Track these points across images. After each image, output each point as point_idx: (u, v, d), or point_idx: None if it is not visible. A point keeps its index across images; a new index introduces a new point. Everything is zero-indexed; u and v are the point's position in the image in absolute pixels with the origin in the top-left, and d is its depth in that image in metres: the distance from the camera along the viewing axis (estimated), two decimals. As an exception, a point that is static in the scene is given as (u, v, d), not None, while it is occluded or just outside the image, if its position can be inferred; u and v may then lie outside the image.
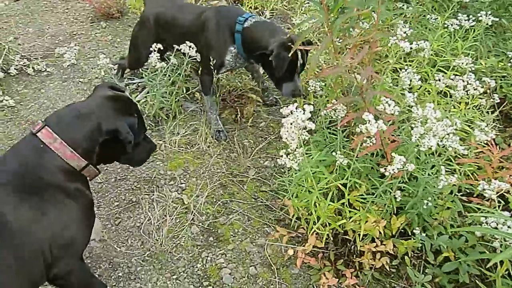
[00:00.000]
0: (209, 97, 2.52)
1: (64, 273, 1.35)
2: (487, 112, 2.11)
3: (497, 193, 1.34)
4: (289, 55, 1.92)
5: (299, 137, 1.48)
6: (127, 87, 2.87)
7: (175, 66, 2.51)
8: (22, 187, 1.24)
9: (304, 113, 1.44)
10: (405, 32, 2.05)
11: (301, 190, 1.76)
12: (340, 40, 1.97)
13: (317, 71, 2.28)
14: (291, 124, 1.42)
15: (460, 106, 2.11)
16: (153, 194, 2.18)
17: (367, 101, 1.62)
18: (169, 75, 2.46)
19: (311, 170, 1.63)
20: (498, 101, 2.04)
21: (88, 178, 1.43)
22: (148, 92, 2.50)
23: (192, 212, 2.09)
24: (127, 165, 2.23)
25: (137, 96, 2.71)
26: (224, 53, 2.35)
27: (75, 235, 1.34)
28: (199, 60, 2.43)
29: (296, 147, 1.49)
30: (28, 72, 3.04)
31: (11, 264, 1.18)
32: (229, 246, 1.95)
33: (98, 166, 1.50)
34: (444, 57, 2.34)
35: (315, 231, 1.73)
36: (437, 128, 1.52)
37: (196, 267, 1.87)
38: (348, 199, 1.72)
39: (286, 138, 1.47)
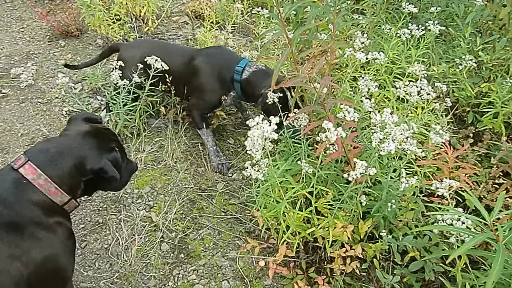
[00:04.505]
0: (203, 130, 2.46)
1: None
2: (442, 116, 2.21)
3: (450, 191, 1.40)
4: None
5: (263, 148, 1.50)
6: (90, 105, 2.81)
7: (138, 83, 2.48)
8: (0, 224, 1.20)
9: (270, 125, 1.46)
10: (363, 43, 2.14)
11: (269, 201, 1.78)
12: (300, 51, 2.02)
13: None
14: (256, 135, 1.44)
15: (417, 111, 2.21)
16: (120, 214, 2.13)
17: (327, 109, 1.66)
18: (133, 92, 2.43)
19: (277, 180, 1.65)
20: (451, 104, 2.16)
21: (68, 210, 1.41)
22: (111, 111, 2.45)
23: (161, 229, 2.05)
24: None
25: (100, 114, 2.66)
26: (221, 99, 2.39)
27: (58, 266, 1.31)
28: (188, 96, 2.43)
29: (261, 158, 1.50)
30: (-18, 94, 2.92)
31: None
32: (200, 262, 1.93)
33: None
34: (400, 64, 2.45)
35: (285, 240, 1.74)
36: (395, 133, 1.58)
37: (168, 285, 1.83)
38: (316, 207, 1.75)
39: (251, 149, 1.48)
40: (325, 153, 1.66)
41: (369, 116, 1.96)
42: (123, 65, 2.42)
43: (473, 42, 2.51)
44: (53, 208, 1.31)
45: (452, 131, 2.40)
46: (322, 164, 1.66)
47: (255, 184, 1.77)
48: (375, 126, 1.71)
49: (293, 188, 1.71)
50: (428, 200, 1.93)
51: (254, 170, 1.52)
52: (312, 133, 1.98)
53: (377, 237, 1.83)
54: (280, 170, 1.65)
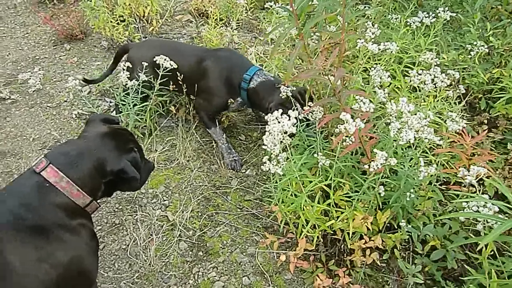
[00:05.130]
0: (213, 129, 2.47)
1: None
2: (455, 103, 2.20)
3: (477, 178, 1.40)
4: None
5: (281, 142, 1.50)
6: (99, 108, 2.81)
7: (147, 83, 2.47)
8: (25, 228, 1.20)
9: (289, 119, 1.46)
10: (373, 33, 2.12)
11: (287, 195, 1.77)
12: (311, 44, 2.01)
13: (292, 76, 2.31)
14: (276, 130, 1.44)
15: (430, 99, 2.20)
16: (137, 214, 2.13)
17: (342, 101, 1.65)
18: (142, 92, 2.42)
19: (295, 174, 1.64)
20: (464, 91, 2.14)
21: (89, 212, 1.42)
22: (121, 112, 2.45)
23: (179, 228, 2.05)
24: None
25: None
26: (227, 102, 2.40)
27: (83, 267, 1.32)
28: (194, 97, 2.44)
29: (279, 152, 1.50)
30: (-9, 101, 2.92)
31: None
32: (219, 259, 1.93)
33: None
34: (409, 53, 2.43)
35: (305, 234, 1.74)
36: (412, 122, 1.57)
37: (188, 283, 1.83)
38: (334, 199, 1.75)
39: (267, 144, 1.48)
40: (340, 145, 1.66)
41: (381, 106, 1.95)
42: (131, 66, 2.42)
43: (483, 28, 2.48)
44: (75, 210, 1.32)
45: (466, 118, 2.38)
46: (339, 156, 1.65)
47: (272, 179, 1.76)
48: (390, 116, 1.70)
49: (310, 181, 1.70)
50: (445, 188, 1.92)
51: (273, 164, 1.52)
52: (326, 126, 1.98)
53: (395, 227, 1.82)
54: (299, 164, 1.64)
